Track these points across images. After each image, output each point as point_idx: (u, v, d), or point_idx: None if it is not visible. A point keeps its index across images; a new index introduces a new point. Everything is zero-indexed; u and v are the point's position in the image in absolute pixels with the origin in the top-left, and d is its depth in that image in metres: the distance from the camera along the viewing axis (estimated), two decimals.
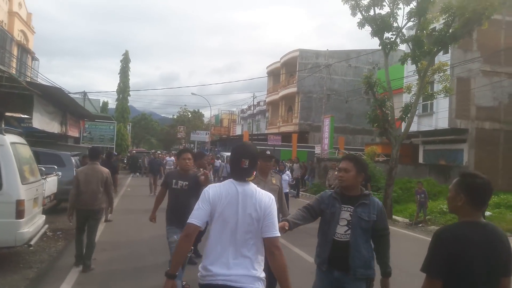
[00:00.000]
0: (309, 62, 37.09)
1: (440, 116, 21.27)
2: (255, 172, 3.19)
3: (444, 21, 11.37)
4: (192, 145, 58.08)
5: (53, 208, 10.08)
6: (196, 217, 2.52)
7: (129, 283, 5.61)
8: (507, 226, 10.90)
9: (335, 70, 35.02)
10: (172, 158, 19.44)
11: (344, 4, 11.95)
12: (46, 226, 7.11)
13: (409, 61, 22.26)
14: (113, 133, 28.54)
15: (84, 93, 28.16)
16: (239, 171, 2.62)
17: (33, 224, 6.24)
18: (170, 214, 5.02)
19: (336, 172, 12.02)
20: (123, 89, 41.51)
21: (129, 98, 42.51)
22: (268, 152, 4.72)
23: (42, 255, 6.68)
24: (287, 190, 10.01)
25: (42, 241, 7.24)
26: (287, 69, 39.80)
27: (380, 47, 12.87)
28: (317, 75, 35.02)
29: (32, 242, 5.98)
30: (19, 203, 5.58)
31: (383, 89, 12.72)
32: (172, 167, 16.93)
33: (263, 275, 2.53)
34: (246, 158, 2.62)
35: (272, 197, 2.62)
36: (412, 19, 11.99)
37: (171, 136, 70.54)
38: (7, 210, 5.52)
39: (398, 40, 12.40)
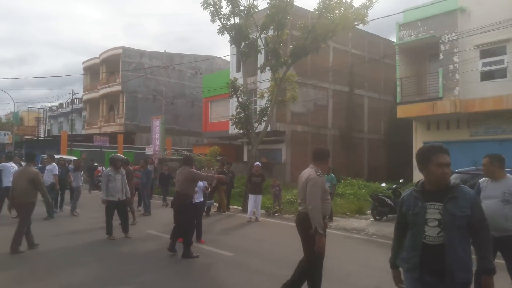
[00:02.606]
0: (133, 61, 35.95)
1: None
2: None
3: (299, 38, 12.94)
4: None
5: None
6: None
7: None
8: (341, 210, 13.12)
9: (159, 71, 34.94)
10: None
11: (203, 9, 12.40)
12: None
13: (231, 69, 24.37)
14: None
15: None
16: None
17: None
18: None
19: (213, 171, 12.40)
20: None
21: None
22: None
23: None
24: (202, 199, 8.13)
25: None
26: (108, 67, 37.55)
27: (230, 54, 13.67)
28: (142, 75, 34.23)
29: None
30: None
31: (244, 93, 13.60)
32: None
33: None
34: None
35: None
36: (264, 32, 13.30)
37: None
38: None
39: (253, 51, 13.54)
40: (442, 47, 16.11)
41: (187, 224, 7.01)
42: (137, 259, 6.86)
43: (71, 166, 13.24)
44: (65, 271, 5.92)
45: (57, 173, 11.41)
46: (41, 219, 10.82)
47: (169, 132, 34.49)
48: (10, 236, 7.02)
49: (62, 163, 12.43)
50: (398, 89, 17.73)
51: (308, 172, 4.47)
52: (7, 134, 44.37)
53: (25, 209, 7.11)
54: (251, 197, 11.45)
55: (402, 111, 17.39)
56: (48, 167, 11.49)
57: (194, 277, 5.79)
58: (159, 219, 11.43)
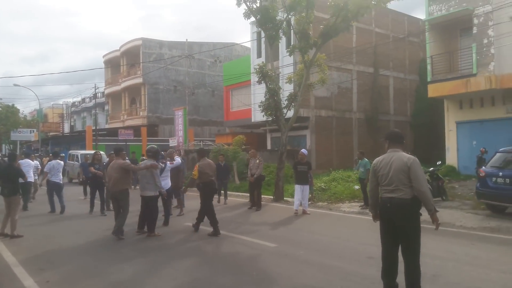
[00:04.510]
0: (153, 52, 35.91)
1: None
2: None
3: (323, 19, 12.49)
4: (12, 146, 49.77)
5: None
6: None
7: None
8: (341, 195, 13.03)
9: (179, 62, 34.81)
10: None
11: None
12: None
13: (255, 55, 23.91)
14: None
15: None
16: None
17: None
18: None
19: (257, 161, 11.98)
20: None
21: None
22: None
23: None
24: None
25: None
26: (128, 59, 37.64)
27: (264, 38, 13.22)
28: (162, 66, 34.15)
29: None
30: None
31: (272, 80, 13.31)
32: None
33: None
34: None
35: None
36: (291, 13, 12.93)
37: None
38: None
39: (280, 32, 13.17)
40: (475, 21, 15.40)
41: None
42: (182, 254, 6.77)
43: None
44: (113, 267, 5.87)
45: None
46: (85, 215, 10.93)
47: (191, 122, 34.50)
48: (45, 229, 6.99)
49: (98, 158, 11.95)
50: (429, 67, 17.10)
51: (401, 155, 4.30)
52: (33, 131, 45.13)
53: (122, 196, 7.98)
54: (297, 188, 10.60)
55: (434, 90, 16.80)
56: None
57: (245, 270, 5.65)
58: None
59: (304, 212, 10.50)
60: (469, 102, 16.95)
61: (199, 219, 8.26)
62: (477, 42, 15.35)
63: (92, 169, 11.30)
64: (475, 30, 15.47)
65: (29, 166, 12.00)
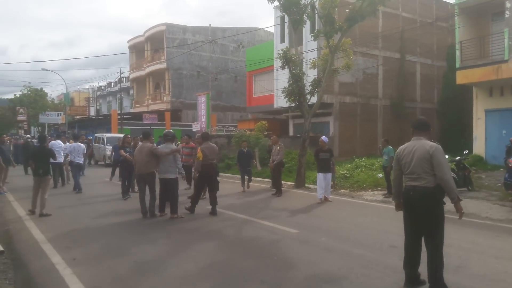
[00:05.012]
0: (177, 37, 36.06)
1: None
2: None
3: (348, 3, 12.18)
4: (40, 128, 51.29)
5: None
6: None
7: None
8: (364, 183, 12.88)
9: (202, 47, 34.83)
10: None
11: None
12: None
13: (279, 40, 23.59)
14: None
15: None
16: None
17: None
18: None
19: (278, 147, 11.96)
20: None
21: None
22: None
23: None
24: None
25: None
26: (152, 44, 37.94)
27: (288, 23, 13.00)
28: (186, 51, 34.26)
29: None
30: None
31: (296, 64, 13.16)
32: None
33: None
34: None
35: None
36: None
37: (7, 120, 60.43)
38: None
39: (305, 17, 12.94)
40: (508, 4, 14.72)
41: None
42: (204, 236, 6.88)
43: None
44: (136, 248, 6.03)
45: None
46: (110, 197, 11.23)
47: (214, 108, 34.62)
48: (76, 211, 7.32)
49: (128, 141, 12.12)
50: (458, 53, 16.51)
51: (424, 143, 4.22)
52: (60, 114, 46.38)
53: (151, 177, 8.40)
54: (319, 176, 10.33)
55: (462, 77, 16.25)
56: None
57: (265, 255, 5.70)
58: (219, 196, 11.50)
59: (326, 199, 10.39)
60: (500, 89, 16.33)
61: (194, 200, 8.75)
62: (509, 27, 14.70)
63: (122, 152, 11.43)
64: (507, 14, 14.80)
65: (60, 148, 12.62)
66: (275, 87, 24.38)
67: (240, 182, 12.63)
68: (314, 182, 12.15)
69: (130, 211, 9.00)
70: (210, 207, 8.69)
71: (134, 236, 6.91)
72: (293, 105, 13.92)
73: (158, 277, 4.81)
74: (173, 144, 8.79)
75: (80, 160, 12.87)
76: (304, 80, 13.54)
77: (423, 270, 4.26)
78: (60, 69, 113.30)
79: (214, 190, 8.79)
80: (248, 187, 12.56)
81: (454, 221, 5.21)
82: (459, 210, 4.14)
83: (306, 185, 13.32)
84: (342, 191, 12.29)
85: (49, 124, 47.51)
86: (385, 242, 6.25)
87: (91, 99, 56.88)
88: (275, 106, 26.03)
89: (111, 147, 16.82)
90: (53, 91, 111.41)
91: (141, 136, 9.09)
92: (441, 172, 4.03)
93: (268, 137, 17.54)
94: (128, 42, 42.04)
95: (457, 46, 16.63)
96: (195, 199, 8.77)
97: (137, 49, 40.51)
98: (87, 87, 62.04)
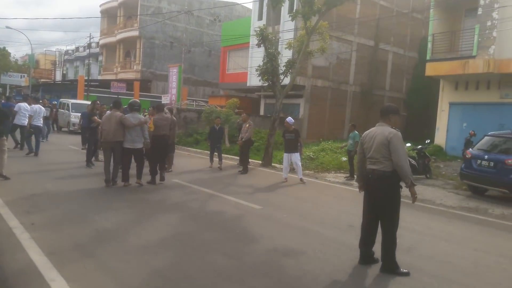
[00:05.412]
0: (152, 5, 34.90)
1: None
2: None
3: None
4: (1, 89, 48.85)
5: None
6: None
7: None
8: (328, 165, 13.22)
9: (178, 17, 33.94)
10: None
11: None
12: None
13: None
14: None
15: None
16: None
17: None
18: None
19: (247, 125, 11.95)
20: None
21: None
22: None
23: None
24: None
25: None
26: (126, 10, 36.56)
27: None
28: (160, 20, 33.28)
29: None
30: None
31: (271, 44, 13.05)
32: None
33: None
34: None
35: None
36: None
37: None
38: None
39: None
40: (481, 1, 15.14)
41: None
42: (168, 208, 6.90)
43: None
44: (98, 216, 5.97)
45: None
46: (75, 164, 10.95)
47: (185, 81, 34.08)
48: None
49: (99, 108, 12.06)
50: (429, 45, 16.92)
51: (384, 129, 4.38)
52: (24, 76, 44.26)
53: (119, 146, 8.25)
54: (285, 156, 10.54)
55: (431, 69, 16.71)
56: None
57: (228, 228, 5.80)
58: (186, 170, 11.47)
59: (300, 181, 10.44)
60: (465, 84, 16.95)
61: (153, 172, 8.80)
62: (480, 24, 15.16)
63: (96, 118, 11.03)
64: (480, 11, 15.24)
65: (26, 110, 12.38)
66: (249, 65, 24.21)
67: (209, 157, 12.63)
68: (281, 162, 12.35)
69: (93, 179, 8.85)
70: (176, 180, 8.69)
71: (96, 204, 6.83)
72: (266, 84, 13.90)
73: (119, 245, 4.81)
74: (140, 114, 8.65)
75: (39, 123, 12.60)
76: (279, 60, 13.52)
77: (377, 249, 4.47)
78: (26, 28, 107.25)
79: (163, 161, 9.13)
80: (220, 168, 12.20)
81: (410, 206, 5.45)
82: (412, 194, 4.35)
83: (272, 164, 13.49)
84: (307, 171, 12.53)
85: (11, 86, 45.35)
86: (344, 222, 6.49)
87: (57, 63, 54.57)
88: (248, 84, 25.90)
89: (77, 114, 16.31)
90: (17, 52, 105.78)
91: (112, 104, 8.80)
92: (397, 157, 4.22)
93: (239, 114, 17.52)
94: (100, 6, 40.30)
95: (429, 38, 17.02)
96: (153, 171, 8.79)
97: (109, 14, 38.96)
98: (54, 50, 59.46)
